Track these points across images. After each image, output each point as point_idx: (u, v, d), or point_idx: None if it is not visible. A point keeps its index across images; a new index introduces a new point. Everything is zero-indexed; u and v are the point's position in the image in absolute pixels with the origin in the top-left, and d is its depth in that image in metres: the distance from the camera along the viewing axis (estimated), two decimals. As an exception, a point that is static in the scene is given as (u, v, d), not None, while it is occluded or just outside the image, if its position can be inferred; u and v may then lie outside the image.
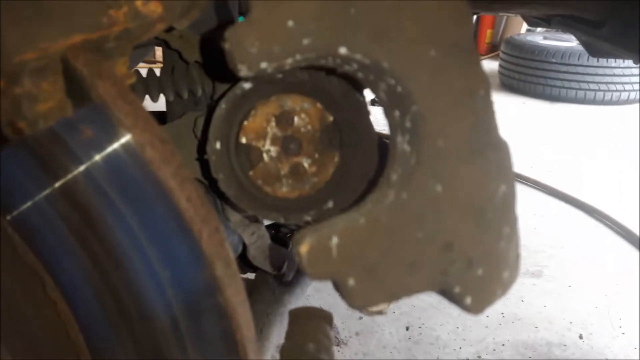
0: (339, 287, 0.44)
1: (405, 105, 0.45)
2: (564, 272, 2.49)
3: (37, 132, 0.37)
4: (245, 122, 0.63)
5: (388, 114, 0.48)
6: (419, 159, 0.45)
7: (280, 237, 0.95)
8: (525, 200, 3.17)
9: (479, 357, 1.98)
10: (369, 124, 0.62)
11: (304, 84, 0.62)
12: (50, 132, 0.40)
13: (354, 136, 0.64)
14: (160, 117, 0.89)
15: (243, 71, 0.42)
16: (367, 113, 0.62)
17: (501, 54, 5.44)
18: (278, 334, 0.82)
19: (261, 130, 0.64)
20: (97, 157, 0.42)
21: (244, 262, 0.94)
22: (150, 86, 0.80)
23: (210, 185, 0.68)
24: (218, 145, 0.62)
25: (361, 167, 0.63)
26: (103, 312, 0.47)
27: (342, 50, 0.42)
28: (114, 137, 0.42)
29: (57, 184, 0.44)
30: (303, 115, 0.64)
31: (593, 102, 4.80)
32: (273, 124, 0.64)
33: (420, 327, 2.06)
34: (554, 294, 2.36)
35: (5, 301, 0.47)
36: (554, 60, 4.78)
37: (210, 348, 0.46)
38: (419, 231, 0.44)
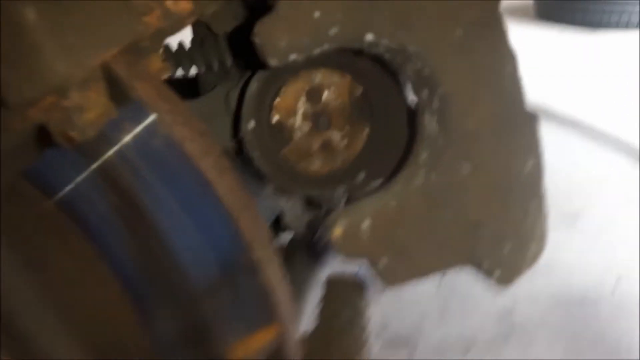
0: (372, 267, 0.47)
1: (432, 86, 0.46)
2: (602, 216, 2.45)
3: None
4: (276, 100, 0.65)
5: (417, 93, 0.49)
6: (447, 139, 0.46)
7: (315, 201, 0.97)
8: (561, 140, 3.10)
9: (514, 308, 2.00)
10: (399, 93, 0.62)
11: (332, 57, 0.63)
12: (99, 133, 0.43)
13: (384, 107, 0.65)
14: (193, 87, 0.90)
15: (273, 63, 0.43)
16: (397, 82, 0.63)
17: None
18: (313, 300, 0.86)
19: (292, 107, 0.65)
20: (140, 151, 0.45)
21: (280, 225, 0.98)
22: (182, 59, 0.82)
23: (246, 160, 0.70)
24: (251, 124, 0.63)
25: (392, 138, 0.64)
26: (154, 293, 0.51)
27: (369, 37, 0.43)
28: (155, 134, 0.44)
29: (107, 180, 0.47)
30: (332, 89, 0.64)
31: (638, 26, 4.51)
32: (303, 99, 0.65)
33: (452, 281, 2.09)
34: (591, 238, 2.34)
35: (68, 284, 0.51)
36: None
37: (251, 314, 0.50)
38: (448, 211, 0.46)
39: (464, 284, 2.11)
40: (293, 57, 0.43)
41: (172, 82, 0.71)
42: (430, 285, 2.09)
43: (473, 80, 0.45)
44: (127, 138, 0.45)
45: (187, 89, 0.87)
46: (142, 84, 0.42)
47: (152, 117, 0.44)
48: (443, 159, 0.46)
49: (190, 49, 0.83)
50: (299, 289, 0.86)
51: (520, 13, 5.29)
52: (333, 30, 0.42)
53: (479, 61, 0.45)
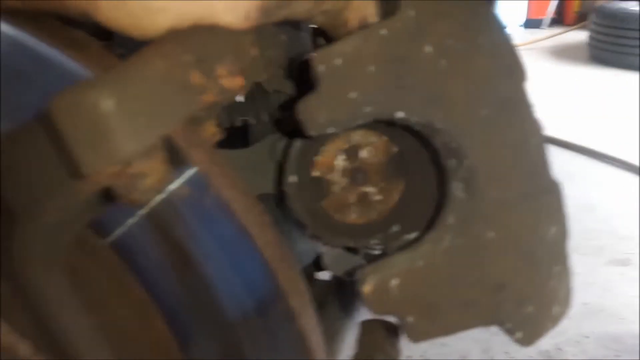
0: (399, 323, 0.50)
1: (459, 158, 0.50)
2: (654, 261, 2.37)
3: None
4: (317, 157, 0.70)
5: (445, 161, 0.52)
6: (474, 208, 0.49)
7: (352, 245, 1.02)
8: (614, 183, 3.02)
9: (560, 349, 1.94)
10: (431, 157, 0.66)
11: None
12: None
13: (418, 164, 0.69)
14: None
15: (313, 134, 0.48)
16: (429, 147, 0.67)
17: (591, 24, 5.12)
18: (348, 345, 0.89)
19: (331, 164, 0.70)
20: (194, 210, 0.51)
21: (318, 266, 1.02)
22: (234, 111, 0.89)
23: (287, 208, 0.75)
24: (293, 178, 0.69)
25: (426, 195, 0.68)
26: (199, 338, 0.56)
27: (399, 114, 0.48)
28: (206, 195, 0.50)
29: (157, 226, 0.53)
30: (369, 148, 0.69)
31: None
32: (342, 157, 0.70)
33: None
34: (642, 282, 2.25)
35: (120, 327, 0.57)
36: (649, 28, 4.44)
37: None
38: (473, 274, 0.49)
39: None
40: (330, 130, 0.48)
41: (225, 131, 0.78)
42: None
43: (499, 153, 0.49)
44: (172, 187, 0.51)
45: (238, 138, 0.94)
46: (196, 150, 0.47)
47: (193, 170, 0.50)
48: (469, 225, 0.49)
49: (243, 102, 0.90)
50: (333, 334, 0.90)
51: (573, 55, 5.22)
52: (367, 109, 0.47)
53: (505, 136, 0.49)
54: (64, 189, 0.41)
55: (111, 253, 0.55)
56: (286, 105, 0.76)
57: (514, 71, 0.50)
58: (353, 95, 0.46)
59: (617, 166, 3.16)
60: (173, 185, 0.51)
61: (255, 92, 0.88)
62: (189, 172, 0.51)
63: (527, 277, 0.49)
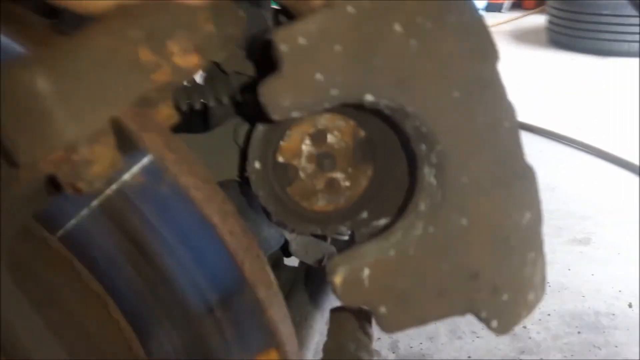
0: (371, 313, 0.48)
1: (430, 143, 0.47)
2: (613, 239, 2.44)
3: None
4: (282, 142, 0.67)
5: (415, 146, 0.50)
6: (444, 195, 0.47)
7: (320, 233, 0.99)
8: (573, 164, 3.10)
9: (524, 327, 1.99)
10: (400, 141, 0.64)
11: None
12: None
13: (386, 151, 0.67)
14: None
15: (276, 118, 0.45)
16: (398, 132, 0.64)
17: (549, 8, 5.21)
18: (319, 333, 0.88)
19: (297, 149, 0.67)
20: (148, 198, 0.48)
21: (285, 252, 1.00)
22: (192, 93, 0.85)
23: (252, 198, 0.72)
24: (257, 165, 0.66)
25: (394, 181, 0.66)
26: (160, 331, 0.53)
27: (368, 97, 0.45)
28: (162, 181, 0.47)
29: (110, 217, 0.49)
30: (336, 133, 0.66)
31: (646, 54, 4.56)
32: (308, 142, 0.67)
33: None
34: (602, 262, 2.32)
35: (75, 322, 0.53)
36: (605, 12, 4.54)
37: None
38: (446, 262, 0.47)
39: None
40: (295, 114, 0.45)
41: (184, 115, 0.74)
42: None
43: (470, 138, 0.47)
44: (126, 177, 0.47)
45: (198, 122, 0.90)
46: (149, 135, 0.44)
47: (147, 158, 0.46)
48: (441, 212, 0.47)
49: (202, 84, 0.86)
50: (302, 321, 0.88)
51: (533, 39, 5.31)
52: (334, 92, 0.44)
53: (477, 119, 0.47)
54: (3, 178, 0.37)
55: (61, 247, 0.52)
56: (247, 88, 0.73)
57: (486, 52, 0.47)
58: (319, 77, 0.43)
59: (575, 147, 3.23)
60: (126, 175, 0.48)
61: (215, 73, 0.84)
62: (143, 160, 0.47)
63: (501, 265, 0.48)
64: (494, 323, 0.48)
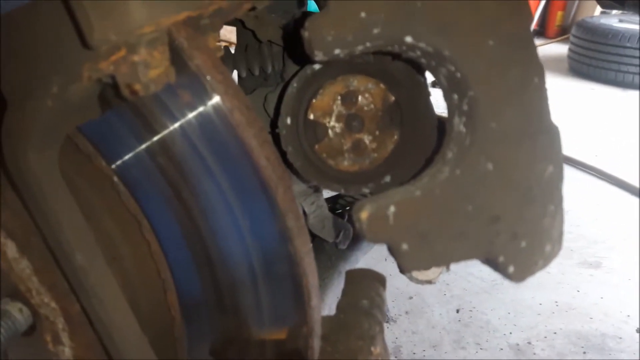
0: (392, 251, 0.50)
1: (463, 90, 0.50)
2: (624, 264, 2.42)
3: (143, 97, 0.44)
4: (314, 100, 0.69)
5: (447, 96, 0.52)
6: (473, 140, 0.49)
7: (337, 208, 1.02)
8: (588, 189, 3.09)
9: (529, 343, 1.97)
10: (428, 105, 0.67)
11: (370, 65, 0.67)
12: (154, 96, 0.47)
13: (414, 116, 0.69)
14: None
15: (319, 56, 0.48)
16: (428, 94, 0.67)
17: (571, 38, 5.23)
18: (333, 295, 0.89)
19: (328, 108, 0.70)
20: (192, 118, 0.49)
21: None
22: (225, 62, 0.88)
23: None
24: (289, 120, 0.68)
25: (419, 146, 0.68)
26: (189, 255, 0.55)
27: (408, 39, 0.47)
28: (208, 101, 0.48)
29: (155, 139, 0.51)
30: (367, 95, 0.69)
31: (669, 90, 4.55)
32: (339, 102, 0.69)
33: (471, 310, 2.07)
34: (612, 286, 2.30)
35: (106, 241, 0.55)
36: (628, 44, 4.56)
37: (280, 291, 0.53)
38: (469, 204, 0.49)
39: (480, 315, 2.09)
40: (337, 52, 0.47)
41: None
42: (443, 317, 2.08)
43: (501, 88, 0.49)
44: (191, 116, 0.48)
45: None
46: (200, 54, 0.46)
47: (216, 99, 0.47)
48: (469, 155, 0.49)
49: (234, 54, 0.89)
50: (321, 285, 0.89)
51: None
52: (376, 30, 0.46)
53: (508, 70, 0.49)
54: (69, 69, 0.40)
55: (112, 176, 0.53)
56: (294, 28, 0.75)
57: (522, 12, 0.50)
58: (363, 15, 0.46)
59: (589, 173, 3.23)
60: (190, 114, 0.48)
61: (248, 43, 0.88)
62: (215, 104, 0.48)
63: (522, 212, 0.50)
64: (511, 268, 0.50)
